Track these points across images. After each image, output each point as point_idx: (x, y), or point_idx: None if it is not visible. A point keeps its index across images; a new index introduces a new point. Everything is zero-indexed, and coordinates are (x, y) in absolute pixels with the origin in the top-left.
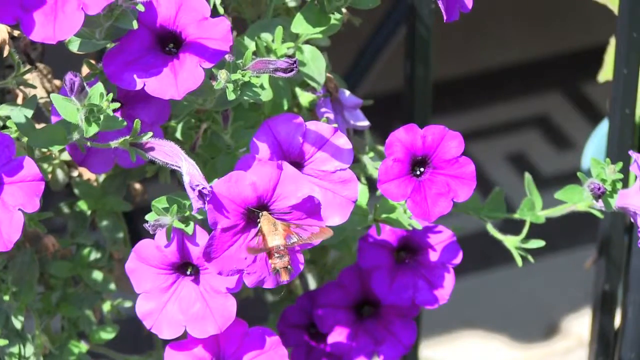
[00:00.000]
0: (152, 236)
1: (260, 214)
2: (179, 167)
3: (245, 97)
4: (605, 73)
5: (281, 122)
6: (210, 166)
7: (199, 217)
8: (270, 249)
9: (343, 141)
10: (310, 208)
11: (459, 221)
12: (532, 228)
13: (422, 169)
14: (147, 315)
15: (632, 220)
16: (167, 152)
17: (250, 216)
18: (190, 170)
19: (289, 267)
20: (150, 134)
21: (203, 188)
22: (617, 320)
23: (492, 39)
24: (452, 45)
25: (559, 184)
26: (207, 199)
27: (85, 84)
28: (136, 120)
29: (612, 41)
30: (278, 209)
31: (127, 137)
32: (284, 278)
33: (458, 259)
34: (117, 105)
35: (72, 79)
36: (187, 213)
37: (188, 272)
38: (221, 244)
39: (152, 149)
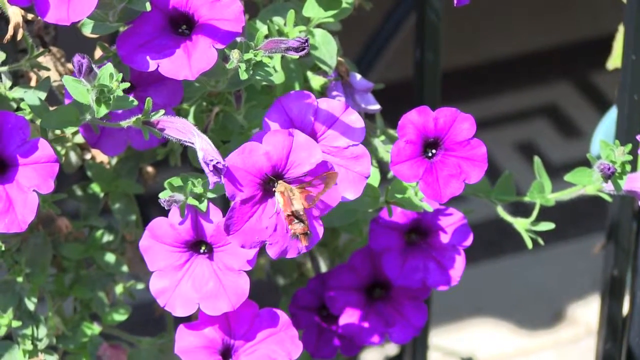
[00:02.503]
0: (165, 215)
1: (276, 182)
2: (192, 143)
3: (258, 77)
4: (614, 60)
5: (293, 100)
6: (222, 150)
7: (212, 195)
8: (290, 214)
9: (354, 118)
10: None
11: (469, 208)
12: (541, 217)
13: (434, 151)
14: (161, 293)
15: None
16: (179, 129)
17: (267, 186)
18: (203, 146)
19: (308, 232)
20: (162, 111)
21: (217, 162)
22: (626, 306)
23: (501, 28)
24: (461, 35)
25: (568, 172)
26: (223, 172)
27: (93, 66)
28: (148, 98)
29: (621, 28)
30: (293, 177)
31: (140, 115)
32: (304, 243)
33: (468, 241)
34: (127, 85)
35: (80, 60)
36: (201, 190)
37: (202, 250)
38: (241, 216)
39: (164, 127)
